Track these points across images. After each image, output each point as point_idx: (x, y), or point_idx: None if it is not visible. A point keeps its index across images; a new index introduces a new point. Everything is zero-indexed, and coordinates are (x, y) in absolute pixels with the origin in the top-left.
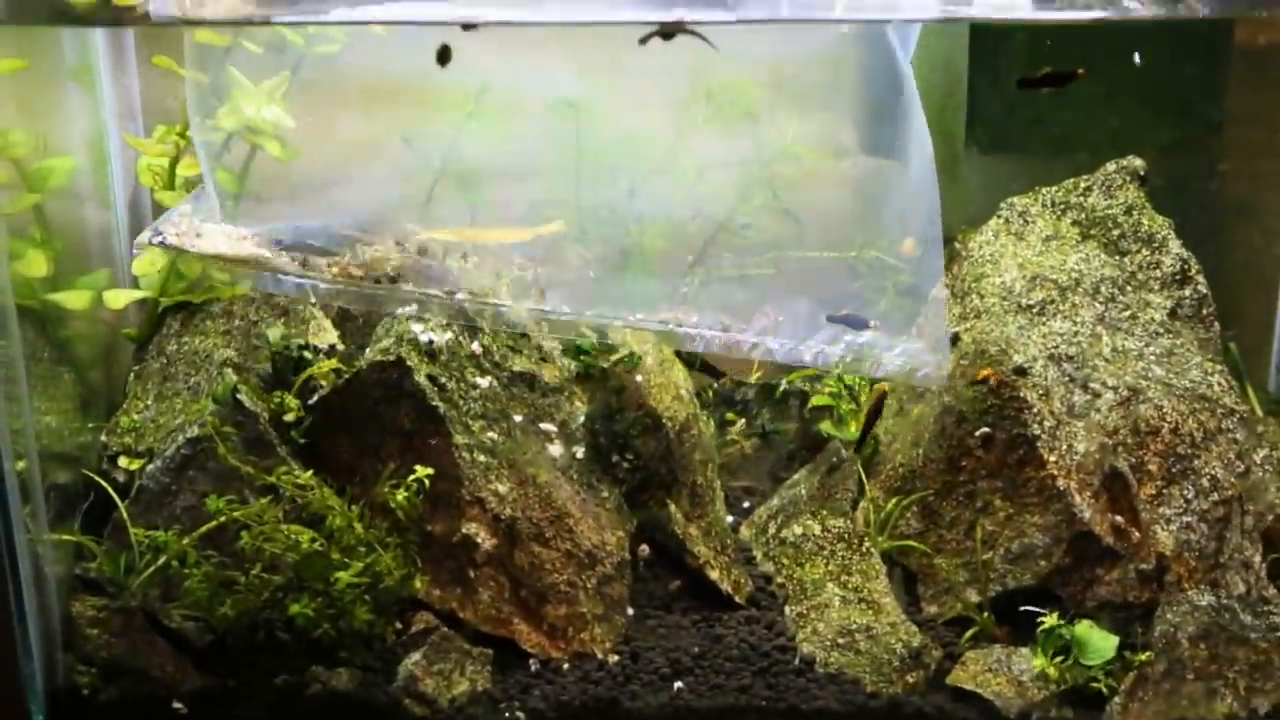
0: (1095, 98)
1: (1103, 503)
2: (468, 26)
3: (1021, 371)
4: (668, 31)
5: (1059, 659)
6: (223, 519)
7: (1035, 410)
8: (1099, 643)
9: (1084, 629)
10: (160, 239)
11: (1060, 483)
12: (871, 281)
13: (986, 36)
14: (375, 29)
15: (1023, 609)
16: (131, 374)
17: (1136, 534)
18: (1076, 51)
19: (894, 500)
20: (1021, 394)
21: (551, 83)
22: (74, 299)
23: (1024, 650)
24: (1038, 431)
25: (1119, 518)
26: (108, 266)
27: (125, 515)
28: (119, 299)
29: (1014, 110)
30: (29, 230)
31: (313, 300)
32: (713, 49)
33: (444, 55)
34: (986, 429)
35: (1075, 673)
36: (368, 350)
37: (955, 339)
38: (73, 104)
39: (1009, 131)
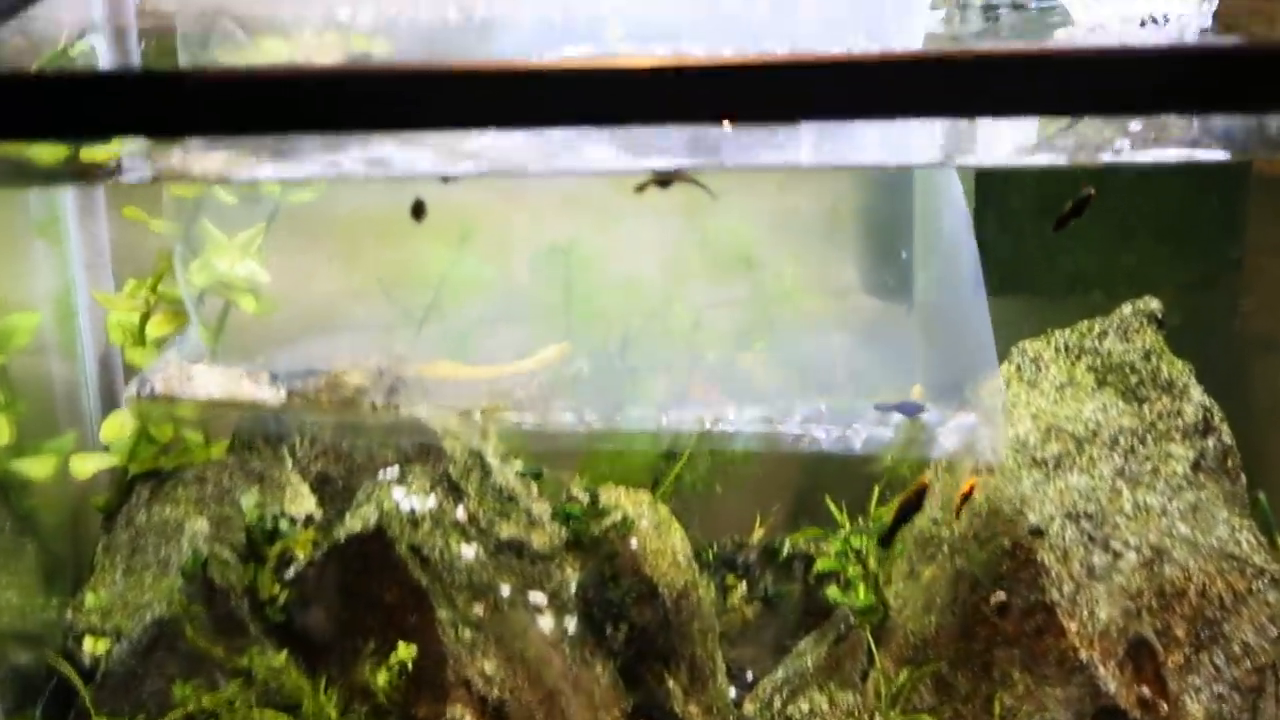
0: (1108, 235)
1: (1128, 673)
2: (446, 179)
3: (1038, 532)
4: (664, 180)
5: None
6: (190, 707)
7: (1053, 574)
8: None
9: None
10: (149, 389)
11: (1082, 653)
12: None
13: (993, 174)
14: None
15: None
16: (99, 546)
17: (1165, 706)
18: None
19: (906, 672)
20: (1038, 556)
21: (540, 228)
22: (38, 466)
23: None
24: (1057, 597)
25: (1145, 688)
26: (75, 427)
27: (89, 702)
28: (86, 466)
29: (1023, 250)
30: None
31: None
32: (710, 197)
33: (418, 210)
34: (1002, 594)
35: None
36: (347, 517)
37: (966, 498)
38: (38, 258)
39: (1019, 272)
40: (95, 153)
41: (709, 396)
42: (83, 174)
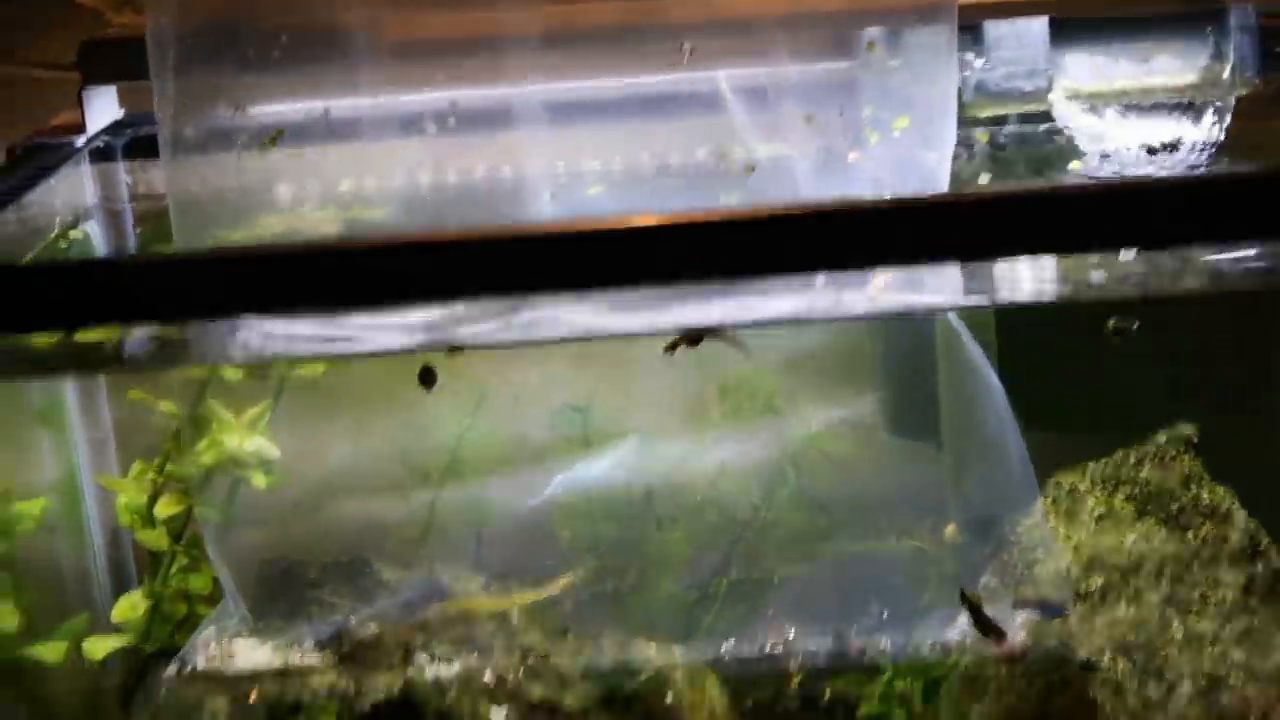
0: (1136, 360)
1: None
2: (454, 350)
3: (1089, 666)
4: (695, 338)
5: None
6: None
7: (1108, 709)
8: None
9: None
10: (190, 668)
11: None
12: (913, 572)
13: (1013, 309)
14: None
15: None
16: None
17: None
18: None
19: None
20: (1090, 692)
21: (555, 391)
22: (50, 651)
23: None
24: None
25: None
26: (87, 610)
27: None
28: (99, 648)
29: (1049, 381)
30: None
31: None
32: (743, 353)
33: (427, 377)
34: None
35: None
36: (370, 688)
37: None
38: (41, 445)
39: (1046, 404)
40: (92, 334)
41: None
42: (80, 360)
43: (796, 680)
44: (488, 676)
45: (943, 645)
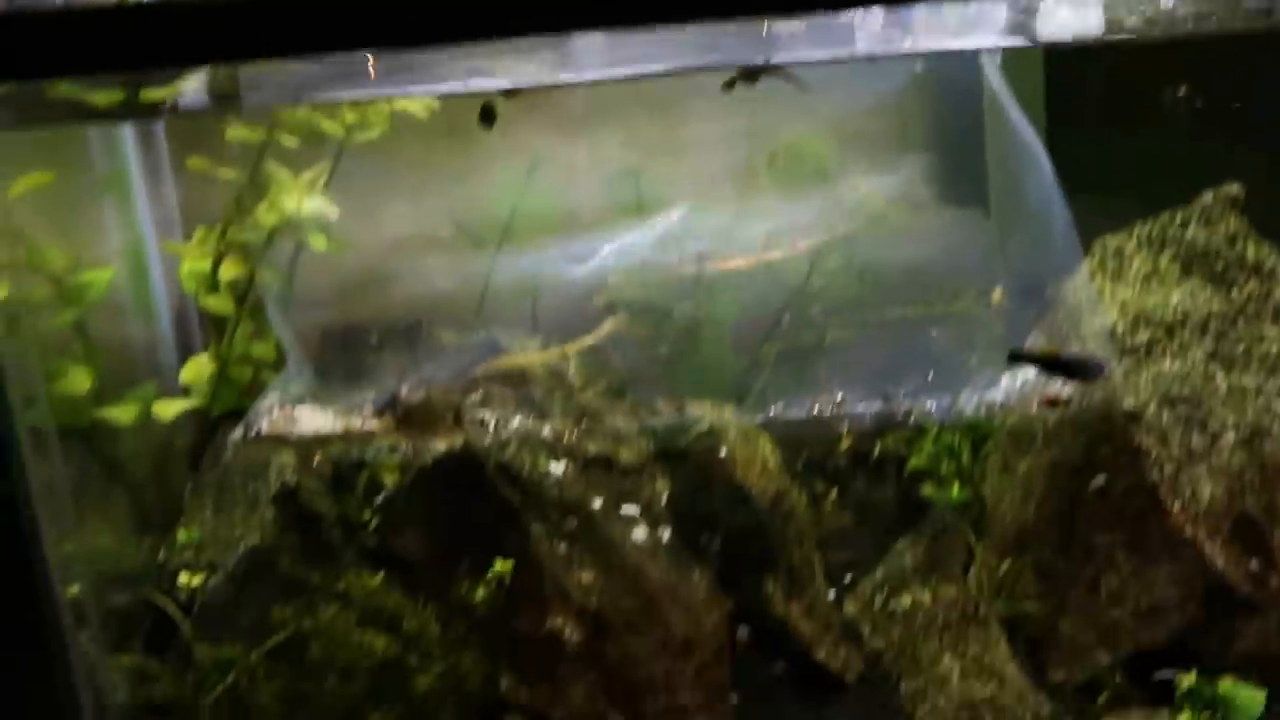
0: (1184, 124)
1: (1235, 550)
2: (510, 93)
3: (1134, 416)
4: (751, 74)
5: (1205, 714)
6: (291, 630)
7: (1153, 456)
8: (1246, 699)
9: (1229, 685)
10: (256, 432)
11: (1188, 531)
12: (961, 335)
13: (1063, 65)
14: (416, 111)
15: (1158, 678)
16: (187, 487)
17: (1275, 580)
18: (1157, 75)
19: (1008, 562)
20: (1136, 440)
21: (608, 156)
22: (122, 414)
23: (1164, 712)
24: (1158, 478)
25: (1254, 564)
26: (155, 377)
27: (189, 634)
28: (169, 410)
29: (1097, 143)
30: (70, 347)
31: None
32: (801, 89)
33: (488, 115)
34: (1102, 479)
35: None
36: (434, 442)
37: (1055, 402)
38: (108, 214)
39: (1093, 167)
40: (154, 93)
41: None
42: (144, 111)
43: (847, 439)
44: (545, 433)
45: (989, 403)
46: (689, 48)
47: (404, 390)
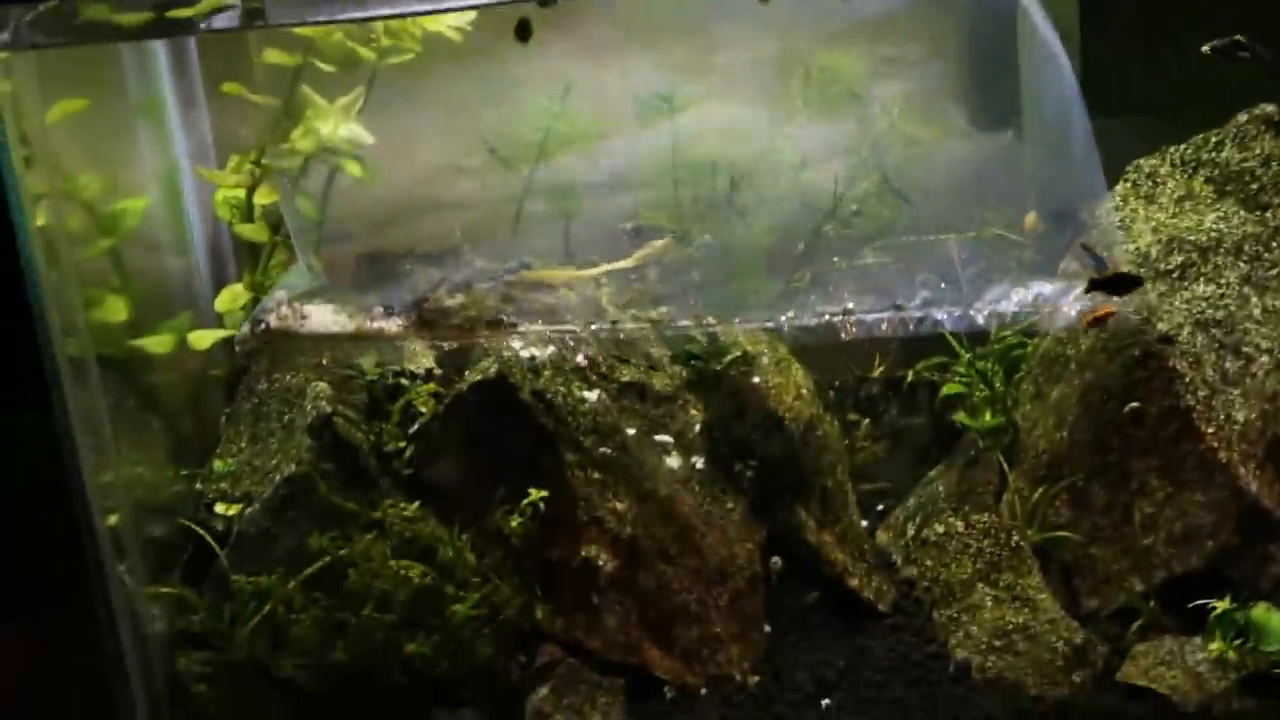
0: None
1: (1269, 473)
2: (545, 2)
3: (1168, 340)
4: None
5: (1237, 643)
6: (327, 559)
7: (1187, 380)
8: (1278, 626)
9: (1261, 612)
10: (263, 326)
11: (1221, 455)
12: (994, 259)
13: None
14: (449, 34)
15: (1192, 604)
16: (223, 417)
17: None
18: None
19: (1041, 489)
20: (1170, 364)
21: (640, 80)
22: (158, 343)
23: (1197, 640)
24: (1192, 402)
25: None
26: (190, 308)
27: (226, 563)
28: (204, 339)
29: (1131, 66)
30: (106, 276)
31: (435, 370)
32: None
33: (524, 29)
34: (1135, 404)
35: (1255, 659)
36: (467, 372)
37: (1099, 321)
38: (142, 141)
39: (1127, 89)
40: (181, 11)
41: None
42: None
43: (880, 365)
44: (580, 359)
45: (1018, 318)
46: None
47: (431, 295)
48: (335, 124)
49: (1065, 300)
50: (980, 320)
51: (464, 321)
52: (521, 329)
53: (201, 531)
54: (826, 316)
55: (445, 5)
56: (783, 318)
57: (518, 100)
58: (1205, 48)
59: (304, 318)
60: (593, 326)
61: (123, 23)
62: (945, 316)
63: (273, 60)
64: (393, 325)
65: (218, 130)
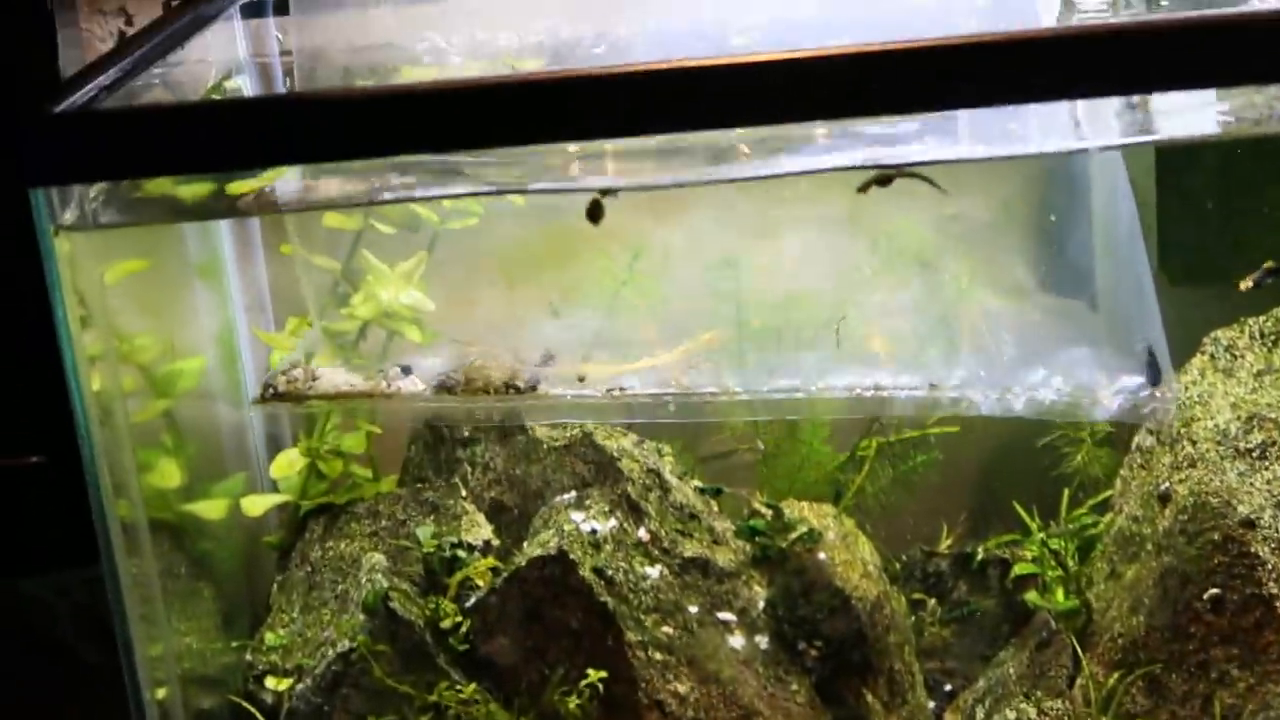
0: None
1: None
2: (606, 192)
3: (1249, 524)
4: (886, 179)
5: None
6: None
7: (1269, 566)
8: None
9: None
10: (273, 391)
11: None
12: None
13: (1174, 153)
14: (515, 200)
15: None
16: (275, 585)
17: None
18: (1272, 165)
19: (1116, 676)
20: (1252, 549)
21: (708, 245)
22: (210, 509)
23: None
24: (1275, 590)
25: None
26: (243, 469)
27: None
28: (257, 505)
29: (1209, 234)
30: (159, 438)
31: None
32: (939, 190)
33: (595, 212)
34: (1215, 590)
35: None
36: (525, 544)
37: (1165, 498)
38: (199, 301)
39: (1205, 258)
40: (242, 185)
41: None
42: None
43: (948, 542)
44: (642, 534)
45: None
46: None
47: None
48: (396, 291)
49: (1106, 390)
50: (1018, 407)
51: (484, 384)
52: (539, 392)
53: (250, 707)
54: (857, 391)
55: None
56: (815, 387)
57: (584, 262)
58: (1243, 286)
59: (315, 379)
60: (613, 392)
61: (184, 199)
62: (983, 399)
63: (333, 224)
64: (409, 385)
65: (275, 288)
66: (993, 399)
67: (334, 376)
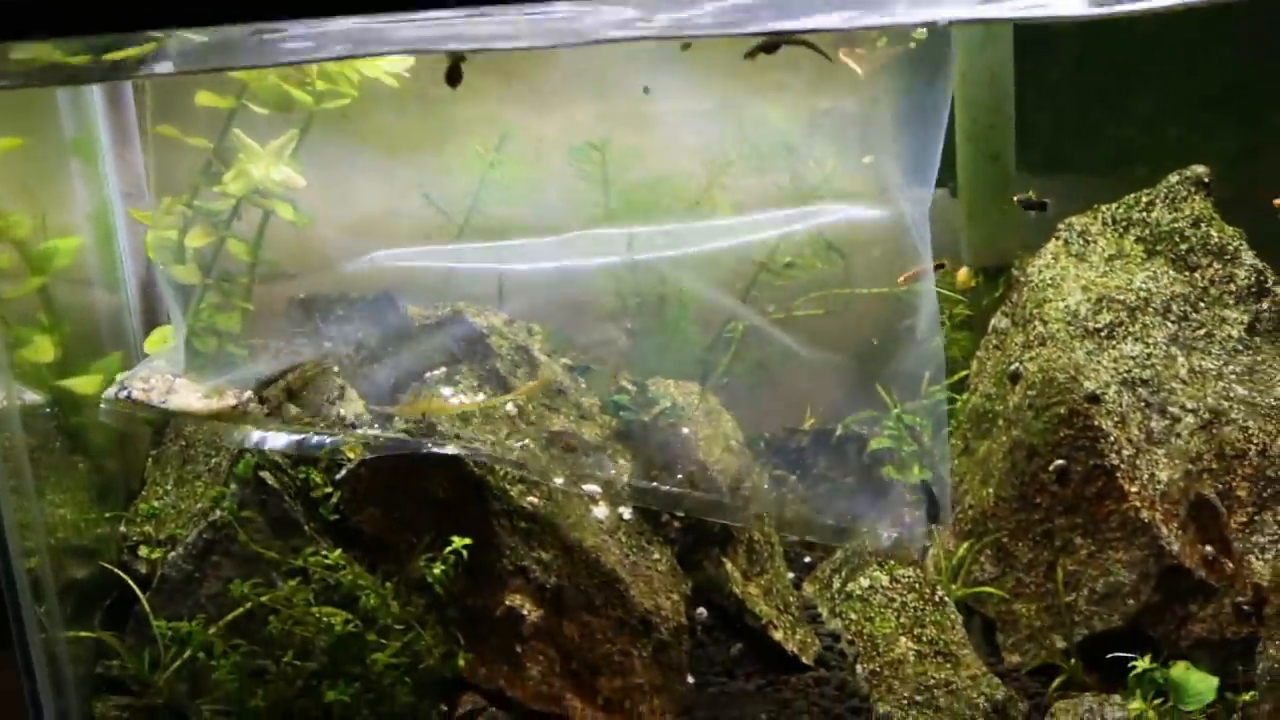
0: (1150, 108)
1: (1191, 534)
2: (462, 56)
3: (1094, 399)
4: (772, 45)
5: (1157, 702)
6: (249, 605)
7: (1112, 439)
8: (1198, 685)
9: (1181, 671)
10: (126, 394)
11: (1144, 514)
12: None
13: (1032, 47)
14: (386, 79)
15: (1112, 656)
16: (149, 459)
17: (1230, 565)
18: (1127, 57)
19: (966, 544)
20: (1096, 422)
21: (575, 129)
22: (85, 384)
23: (1117, 697)
24: (1116, 461)
25: (1209, 548)
26: (120, 349)
27: (147, 608)
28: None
29: (1066, 126)
30: (34, 315)
31: (364, 416)
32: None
33: (454, 74)
34: (1060, 461)
35: (1174, 717)
36: (395, 419)
37: (1015, 376)
38: (75, 180)
39: (1062, 148)
40: (121, 53)
41: None
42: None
43: (811, 420)
44: (509, 408)
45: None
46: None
47: (289, 377)
48: (267, 167)
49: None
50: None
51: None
52: (360, 421)
53: (123, 575)
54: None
55: (370, 51)
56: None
57: (456, 146)
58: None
59: (170, 392)
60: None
61: (67, 63)
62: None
63: (206, 102)
64: (256, 411)
65: (152, 170)
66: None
67: (189, 392)
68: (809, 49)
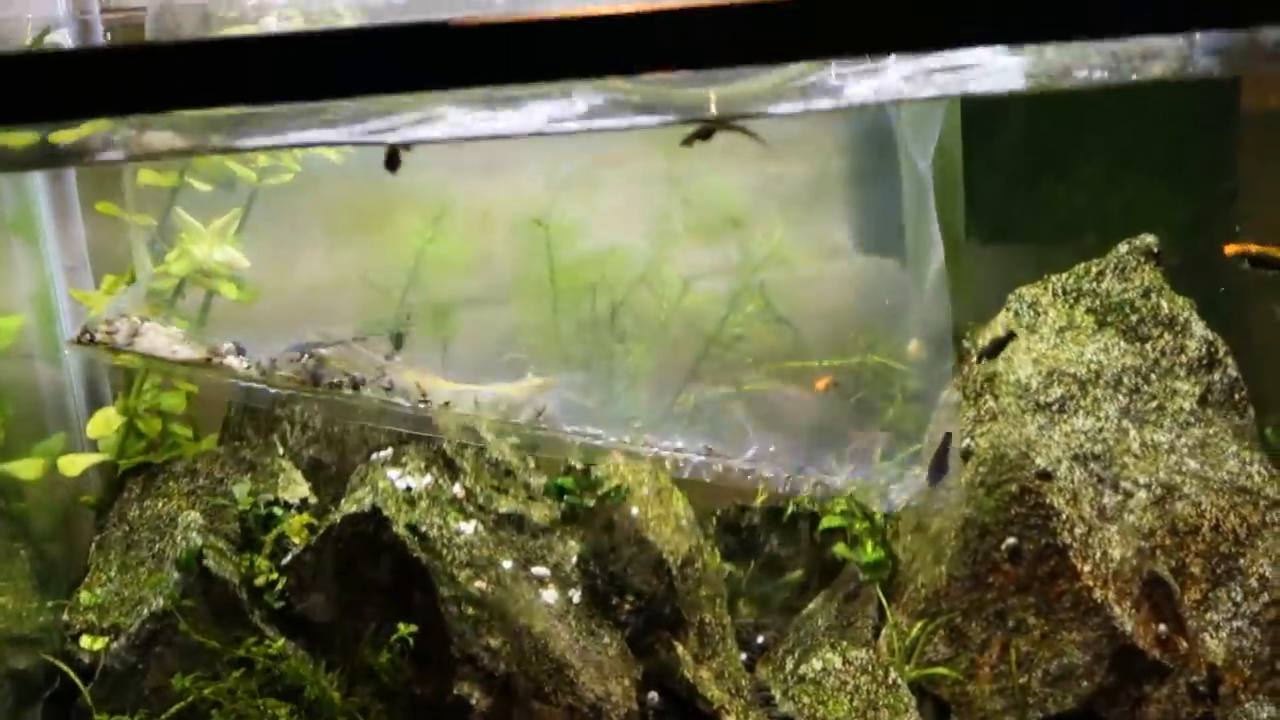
0: (1100, 176)
1: (1144, 612)
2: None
3: (1046, 475)
4: (707, 132)
5: None
6: (190, 699)
7: (1064, 516)
8: None
9: None
10: (90, 337)
11: (1097, 594)
12: (877, 389)
13: (981, 115)
14: (330, 155)
15: None
16: (93, 544)
17: (1184, 644)
18: (1076, 127)
19: (919, 625)
20: (1047, 499)
21: (518, 201)
22: (26, 468)
23: None
24: (1068, 540)
25: (1163, 627)
26: (62, 429)
27: (89, 700)
28: (75, 465)
29: (1015, 194)
30: None
31: (310, 499)
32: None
33: (393, 159)
34: (1013, 540)
35: None
36: (342, 502)
37: (967, 453)
38: (16, 258)
39: (1011, 218)
40: (65, 134)
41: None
42: (55, 158)
43: (761, 496)
44: (457, 490)
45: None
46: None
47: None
48: (210, 247)
49: (895, 485)
50: (805, 490)
51: (304, 376)
52: (361, 389)
53: (65, 666)
54: (652, 449)
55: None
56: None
57: (398, 219)
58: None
59: (136, 335)
60: (420, 404)
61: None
62: (773, 475)
63: (149, 180)
64: (229, 361)
65: (94, 247)
66: (783, 479)
67: (156, 336)
68: (744, 135)
